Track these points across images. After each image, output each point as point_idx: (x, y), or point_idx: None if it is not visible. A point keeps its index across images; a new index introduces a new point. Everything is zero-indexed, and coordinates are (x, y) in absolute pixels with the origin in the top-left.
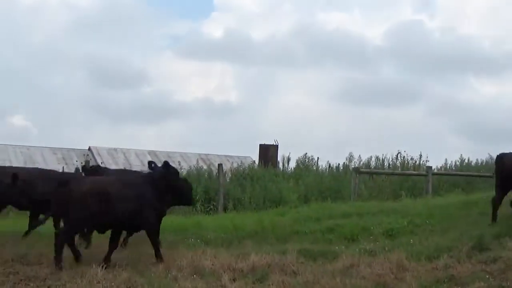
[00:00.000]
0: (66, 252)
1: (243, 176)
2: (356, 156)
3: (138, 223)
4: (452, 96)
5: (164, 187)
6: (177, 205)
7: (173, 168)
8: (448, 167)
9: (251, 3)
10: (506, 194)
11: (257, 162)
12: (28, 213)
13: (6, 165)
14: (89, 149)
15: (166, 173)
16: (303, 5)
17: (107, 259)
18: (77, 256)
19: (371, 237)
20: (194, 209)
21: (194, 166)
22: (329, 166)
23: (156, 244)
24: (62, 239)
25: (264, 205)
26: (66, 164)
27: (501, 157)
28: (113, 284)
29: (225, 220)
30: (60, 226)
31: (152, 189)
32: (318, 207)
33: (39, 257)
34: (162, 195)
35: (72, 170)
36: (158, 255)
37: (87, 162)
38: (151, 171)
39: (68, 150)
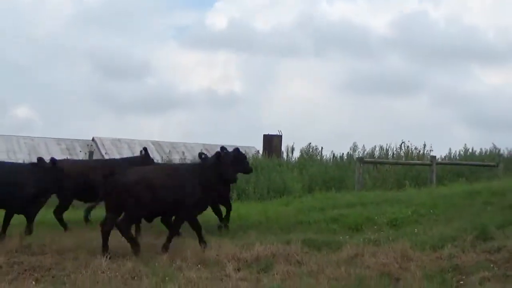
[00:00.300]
0: (70, 242)
1: None
2: (360, 146)
3: (179, 211)
4: (456, 86)
5: (214, 177)
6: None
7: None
8: (452, 157)
9: None
10: None
11: (261, 152)
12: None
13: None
14: (93, 139)
15: (217, 163)
16: None
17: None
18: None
19: (375, 227)
20: None
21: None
22: (333, 156)
23: (174, 234)
24: (125, 227)
25: (268, 195)
26: (70, 154)
27: None
28: (117, 274)
29: None
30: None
31: (198, 179)
32: (322, 197)
33: (42, 247)
34: (211, 185)
35: None
36: (167, 245)
37: (91, 153)
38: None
39: (72, 141)
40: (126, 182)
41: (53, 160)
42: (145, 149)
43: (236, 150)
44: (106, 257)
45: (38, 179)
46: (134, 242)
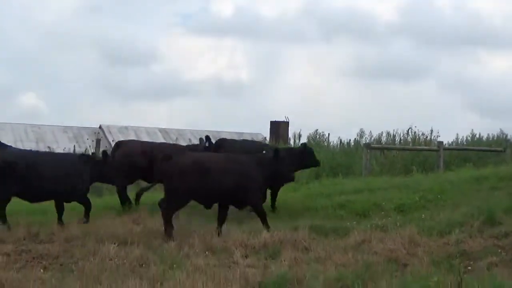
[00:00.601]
0: (77, 230)
1: None
2: (367, 131)
3: (241, 199)
4: (463, 71)
5: (271, 171)
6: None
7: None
8: (459, 142)
9: None
10: None
11: (268, 138)
12: None
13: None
14: (100, 127)
15: (274, 159)
16: None
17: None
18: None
19: (383, 213)
20: None
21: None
22: (340, 142)
23: (263, 217)
24: (168, 212)
25: None
26: (77, 142)
27: None
28: (125, 261)
29: None
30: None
31: (258, 169)
32: (329, 183)
33: (50, 236)
34: (269, 176)
35: (83, 149)
36: (265, 224)
37: (98, 140)
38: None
39: (79, 128)
40: (178, 166)
41: (104, 153)
42: (207, 137)
43: (304, 145)
44: (114, 244)
45: (90, 171)
46: (169, 230)
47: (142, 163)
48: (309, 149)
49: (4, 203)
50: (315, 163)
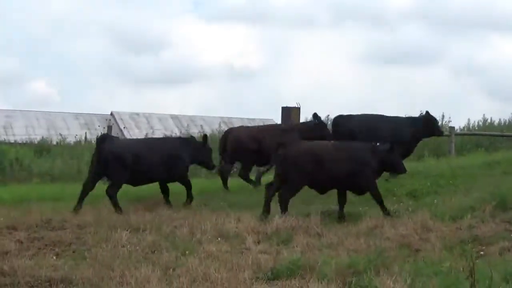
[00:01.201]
0: (90, 216)
1: None
2: None
3: (357, 185)
4: (475, 56)
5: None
6: None
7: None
8: (471, 127)
9: None
10: None
11: None
12: None
13: None
14: (111, 114)
15: (389, 153)
16: None
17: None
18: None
19: (395, 198)
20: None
21: (216, 129)
22: None
23: (379, 200)
24: (285, 197)
25: None
26: (89, 129)
27: None
28: (137, 248)
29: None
30: None
31: (372, 157)
32: None
33: (63, 223)
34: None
35: (94, 136)
36: (382, 207)
37: (109, 127)
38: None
39: (90, 115)
40: (292, 155)
41: (205, 138)
42: (315, 115)
43: (427, 113)
44: (127, 230)
45: (192, 153)
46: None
47: (252, 148)
48: (432, 117)
49: (117, 190)
50: (439, 131)
